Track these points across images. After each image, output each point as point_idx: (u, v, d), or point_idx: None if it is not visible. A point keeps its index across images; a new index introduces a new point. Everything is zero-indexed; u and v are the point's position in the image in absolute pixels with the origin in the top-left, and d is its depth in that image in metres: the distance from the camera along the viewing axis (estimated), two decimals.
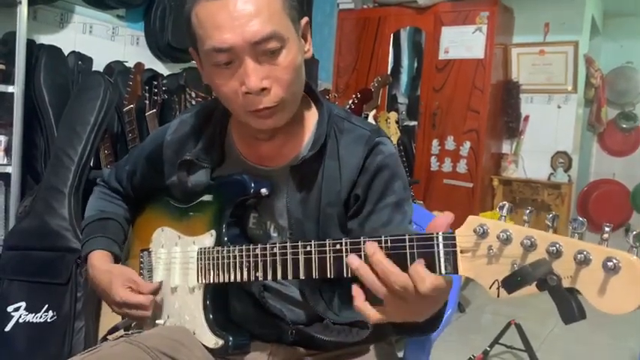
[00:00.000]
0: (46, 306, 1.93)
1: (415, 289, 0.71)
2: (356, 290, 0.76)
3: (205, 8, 0.88)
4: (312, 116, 1.04)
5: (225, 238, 0.98)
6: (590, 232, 0.62)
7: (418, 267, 0.71)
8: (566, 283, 0.60)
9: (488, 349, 2.63)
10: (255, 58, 0.88)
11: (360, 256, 0.76)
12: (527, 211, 0.65)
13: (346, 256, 0.78)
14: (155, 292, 1.05)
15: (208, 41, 0.88)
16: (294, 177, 0.99)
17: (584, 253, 0.59)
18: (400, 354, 1.17)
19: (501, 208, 0.67)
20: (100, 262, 1.10)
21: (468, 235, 0.68)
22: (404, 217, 0.97)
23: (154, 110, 2.46)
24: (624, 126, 5.01)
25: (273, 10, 0.88)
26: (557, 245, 0.61)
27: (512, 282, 0.59)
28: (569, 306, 0.58)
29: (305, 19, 0.97)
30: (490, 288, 0.65)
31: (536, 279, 0.58)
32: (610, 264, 0.58)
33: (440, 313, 0.82)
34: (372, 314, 0.76)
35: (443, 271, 0.70)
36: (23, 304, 1.94)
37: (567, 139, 4.25)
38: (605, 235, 0.60)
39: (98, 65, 2.59)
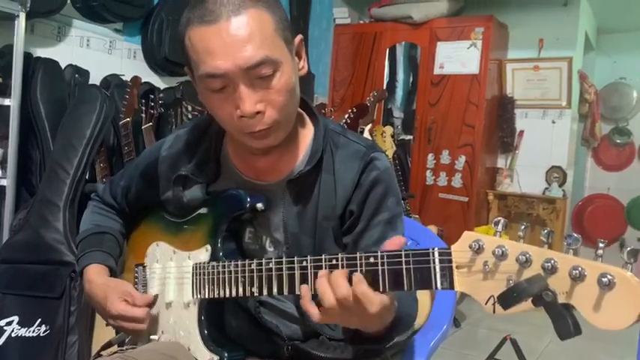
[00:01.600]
0: (39, 320, 1.92)
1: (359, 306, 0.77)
2: (304, 289, 0.82)
3: (198, 33, 0.88)
4: (307, 132, 1.04)
5: (221, 253, 0.97)
6: (585, 247, 0.62)
7: (363, 288, 0.76)
8: (561, 299, 0.60)
9: None
10: (249, 82, 0.88)
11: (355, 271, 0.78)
12: (522, 227, 0.65)
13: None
14: (151, 304, 1.04)
15: (202, 67, 0.88)
16: (291, 191, 0.99)
17: (579, 269, 0.60)
18: None
19: (496, 223, 0.67)
20: (96, 275, 1.09)
21: (463, 251, 0.68)
22: (396, 234, 0.98)
23: (150, 124, 2.46)
24: (618, 141, 5.05)
25: (265, 35, 0.88)
26: (553, 261, 0.61)
27: (509, 298, 0.60)
28: (565, 322, 0.58)
29: (299, 37, 0.97)
30: (486, 304, 0.65)
31: (532, 295, 0.59)
32: (605, 280, 0.58)
33: (392, 327, 0.86)
34: (316, 314, 0.80)
35: (439, 287, 0.70)
36: (16, 317, 1.92)
37: (562, 154, 4.27)
38: (600, 252, 0.60)
39: (95, 78, 2.59)
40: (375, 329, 0.84)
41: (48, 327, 1.91)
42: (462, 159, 4.06)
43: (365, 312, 0.77)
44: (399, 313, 0.85)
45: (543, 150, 4.27)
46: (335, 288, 0.77)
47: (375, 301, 0.76)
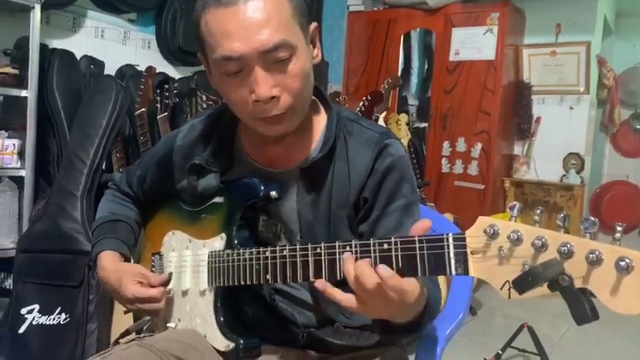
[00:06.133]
0: (59, 308, 1.95)
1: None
2: (320, 283, 0.80)
3: (215, 16, 0.88)
4: (321, 119, 1.04)
5: (236, 241, 0.98)
6: (603, 235, 0.61)
7: (395, 281, 0.73)
8: (578, 284, 0.60)
9: (501, 352, 2.61)
10: (265, 66, 0.88)
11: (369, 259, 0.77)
12: (538, 211, 0.64)
13: (356, 258, 0.78)
14: (165, 283, 1.04)
15: (218, 49, 0.88)
16: (304, 179, 0.99)
17: (596, 253, 0.59)
18: (412, 357, 1.17)
19: (512, 208, 0.66)
20: (108, 262, 1.10)
21: (478, 236, 0.67)
22: (413, 221, 0.97)
23: (165, 114, 2.48)
24: (638, 127, 4.95)
25: (282, 19, 0.88)
26: (569, 245, 0.60)
27: (524, 282, 0.59)
28: (582, 307, 0.57)
29: (314, 25, 0.97)
30: (501, 289, 0.65)
31: (548, 279, 0.58)
32: (622, 263, 0.57)
33: (422, 315, 0.84)
34: (346, 299, 0.78)
35: (454, 273, 0.70)
36: (37, 306, 1.96)
37: (579, 141, 4.21)
38: (618, 235, 0.59)
39: (110, 69, 2.61)
40: (407, 319, 0.82)
41: (68, 315, 1.94)
42: (478, 146, 4.03)
43: (402, 302, 0.75)
44: (429, 301, 0.84)
45: (561, 136, 4.22)
46: (360, 277, 0.75)
47: (411, 288, 0.74)
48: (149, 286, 1.03)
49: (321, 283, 0.80)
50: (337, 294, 0.78)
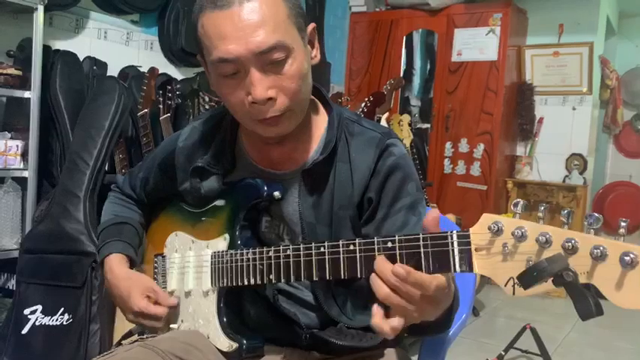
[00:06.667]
0: (62, 309, 1.95)
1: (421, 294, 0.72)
2: (377, 309, 0.76)
3: (210, 19, 0.88)
4: (321, 120, 1.03)
5: (239, 242, 0.98)
6: (606, 235, 0.61)
7: (415, 276, 0.71)
8: (582, 279, 0.59)
9: (503, 353, 2.61)
10: (261, 68, 0.88)
11: (373, 257, 0.77)
12: (542, 207, 0.64)
13: (361, 256, 0.78)
14: (173, 305, 1.05)
15: (214, 52, 0.88)
16: (306, 181, 0.99)
17: (601, 248, 0.58)
18: (414, 358, 1.16)
19: (515, 205, 0.66)
20: (117, 267, 1.10)
21: (482, 233, 0.67)
22: (419, 219, 0.97)
23: (168, 115, 2.48)
24: None
25: (278, 20, 0.87)
26: (573, 241, 0.60)
27: (528, 277, 0.59)
28: (587, 302, 0.57)
29: (312, 26, 0.97)
30: (505, 285, 0.65)
31: (553, 274, 0.58)
32: (627, 259, 0.57)
33: (451, 310, 0.82)
34: (388, 330, 0.75)
35: (458, 270, 0.69)
36: (40, 307, 1.96)
37: (582, 141, 4.20)
38: (622, 231, 0.59)
39: (113, 70, 2.61)
40: (437, 316, 0.80)
41: (70, 316, 1.94)
42: (481, 147, 4.02)
43: (423, 298, 0.73)
44: (455, 293, 0.82)
45: (563, 137, 4.21)
46: (382, 275, 0.73)
47: (430, 284, 0.72)
48: (156, 303, 1.03)
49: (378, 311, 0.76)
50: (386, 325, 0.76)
